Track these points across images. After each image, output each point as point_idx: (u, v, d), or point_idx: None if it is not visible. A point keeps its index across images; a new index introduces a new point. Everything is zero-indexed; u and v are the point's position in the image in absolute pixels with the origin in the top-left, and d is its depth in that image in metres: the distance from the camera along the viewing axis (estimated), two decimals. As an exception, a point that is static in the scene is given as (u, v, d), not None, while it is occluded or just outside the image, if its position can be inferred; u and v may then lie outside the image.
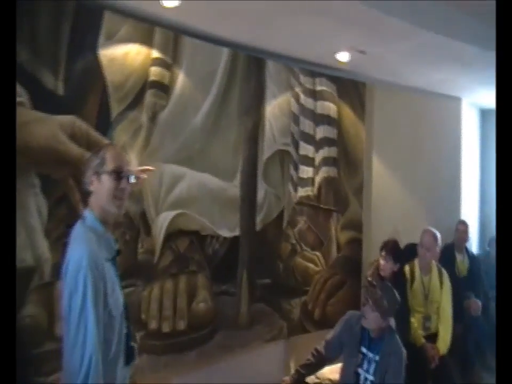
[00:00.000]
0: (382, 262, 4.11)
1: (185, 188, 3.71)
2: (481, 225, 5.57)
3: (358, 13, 3.44)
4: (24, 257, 2.90)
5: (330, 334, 3.52)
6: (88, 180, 2.06)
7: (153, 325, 3.51)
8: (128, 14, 3.39)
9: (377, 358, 3.21)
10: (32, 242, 2.95)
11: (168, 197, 3.62)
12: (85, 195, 2.12)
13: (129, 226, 3.43)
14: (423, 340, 3.95)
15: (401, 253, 4.23)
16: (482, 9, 3.66)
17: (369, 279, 4.25)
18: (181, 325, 3.67)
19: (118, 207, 2.07)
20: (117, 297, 2.04)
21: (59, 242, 3.01)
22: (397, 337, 3.27)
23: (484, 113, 6.75)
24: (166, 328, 3.58)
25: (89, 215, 2.04)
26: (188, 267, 3.74)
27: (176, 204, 3.67)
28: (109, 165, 2.04)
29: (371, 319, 3.20)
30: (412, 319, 3.99)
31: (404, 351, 3.21)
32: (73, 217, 2.99)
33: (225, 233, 3.97)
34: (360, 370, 3.26)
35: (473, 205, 6.50)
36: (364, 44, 4.12)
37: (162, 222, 3.59)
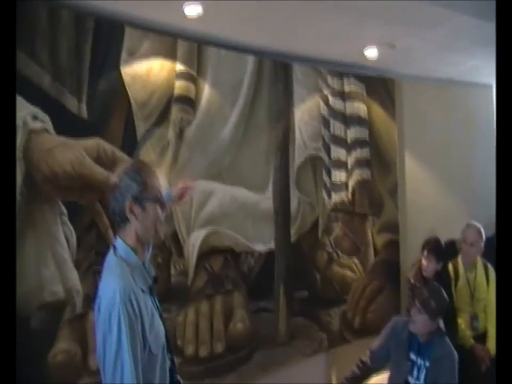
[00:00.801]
0: (424, 262, 3.92)
1: (216, 204, 3.56)
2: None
3: (384, 3, 3.21)
4: (55, 290, 2.79)
5: (375, 343, 3.35)
6: (125, 208, 1.85)
7: (190, 350, 3.38)
8: (149, 28, 3.24)
9: (427, 364, 3.03)
10: (62, 274, 2.84)
11: (199, 214, 3.48)
12: (118, 223, 1.91)
13: (161, 249, 3.30)
14: (472, 341, 3.76)
15: (444, 251, 4.04)
16: None
17: (412, 281, 4.08)
18: (219, 347, 3.53)
19: (163, 233, 2.01)
20: (157, 331, 1.90)
21: (89, 272, 2.94)
22: (447, 339, 3.10)
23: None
24: (203, 352, 3.44)
25: (120, 244, 1.89)
26: (224, 286, 3.59)
27: (208, 221, 3.52)
28: (152, 191, 1.89)
29: (419, 323, 3.03)
30: (459, 320, 3.80)
31: (456, 354, 3.03)
32: (103, 244, 2.94)
33: (260, 247, 3.82)
34: (410, 379, 3.09)
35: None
36: (392, 36, 3.90)
37: (194, 241, 3.45)
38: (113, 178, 1.90)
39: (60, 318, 2.83)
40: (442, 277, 3.84)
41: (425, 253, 3.93)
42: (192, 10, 3.09)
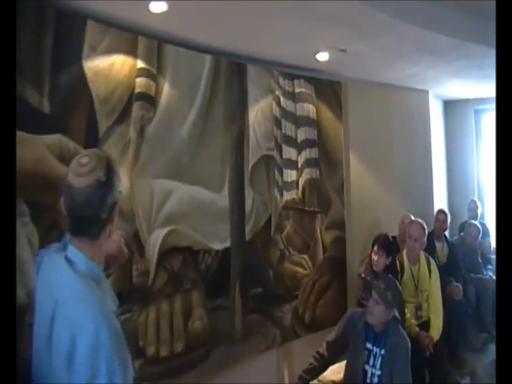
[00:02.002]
0: (374, 257, 4.10)
1: (175, 203, 3.54)
2: (451, 212, 5.65)
3: (337, 9, 3.32)
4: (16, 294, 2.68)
5: (331, 334, 3.48)
6: (105, 212, 1.56)
7: (151, 350, 3.34)
8: (112, 23, 3.18)
9: (383, 351, 3.21)
10: (23, 276, 2.72)
11: (159, 213, 3.44)
12: (82, 231, 1.59)
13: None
14: (417, 329, 3.97)
15: (392, 247, 4.24)
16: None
17: (363, 275, 4.24)
18: (178, 346, 3.51)
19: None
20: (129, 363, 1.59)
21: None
22: (401, 328, 3.28)
23: (447, 104, 6.86)
24: (164, 352, 3.40)
25: (79, 257, 1.55)
26: (183, 285, 3.58)
27: (167, 221, 3.49)
28: (117, 187, 1.62)
29: (377, 314, 3.20)
30: (405, 310, 3.99)
31: (409, 341, 3.25)
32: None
33: (217, 246, 3.83)
34: (367, 367, 3.25)
35: (442, 194, 6.61)
36: (342, 41, 4.04)
37: (155, 240, 3.41)
38: (93, 176, 1.53)
39: (22, 323, 2.72)
40: (391, 271, 4.01)
41: (376, 248, 4.09)
42: (157, 7, 3.07)
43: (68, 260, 1.55)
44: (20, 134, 2.69)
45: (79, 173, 1.53)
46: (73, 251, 1.56)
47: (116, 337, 1.48)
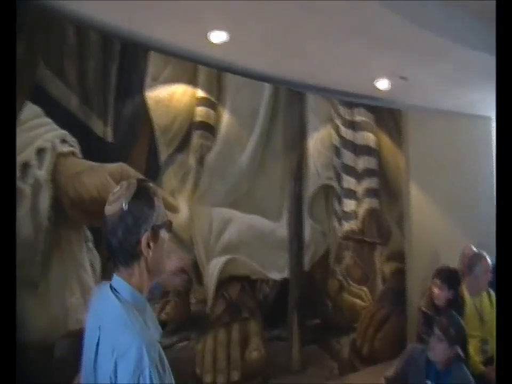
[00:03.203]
0: (436, 290, 3.92)
1: (234, 231, 3.55)
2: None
3: (396, 35, 3.30)
4: (80, 317, 2.71)
5: (390, 370, 3.33)
6: (138, 241, 1.52)
7: (208, 379, 3.32)
8: (173, 53, 3.27)
9: None
10: (87, 301, 2.77)
11: (218, 242, 3.45)
12: (121, 260, 1.54)
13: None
14: (482, 367, 3.74)
15: (455, 280, 4.07)
16: None
17: (424, 309, 4.08)
18: (235, 375, 3.47)
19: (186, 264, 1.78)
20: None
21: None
22: (465, 367, 3.11)
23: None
24: (220, 380, 3.38)
25: (123, 286, 1.55)
26: (240, 314, 3.55)
27: (226, 249, 3.50)
28: (163, 216, 1.57)
29: (439, 350, 3.04)
30: (468, 346, 3.80)
31: (472, 381, 3.05)
32: None
33: (275, 275, 3.80)
34: None
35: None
36: (401, 68, 3.98)
37: (213, 269, 3.42)
38: (118, 204, 1.51)
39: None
40: (454, 305, 3.85)
41: (437, 281, 3.94)
42: (217, 37, 3.13)
43: (112, 288, 1.55)
44: (85, 163, 2.80)
45: (108, 201, 1.54)
46: (116, 279, 1.56)
47: (158, 364, 1.45)
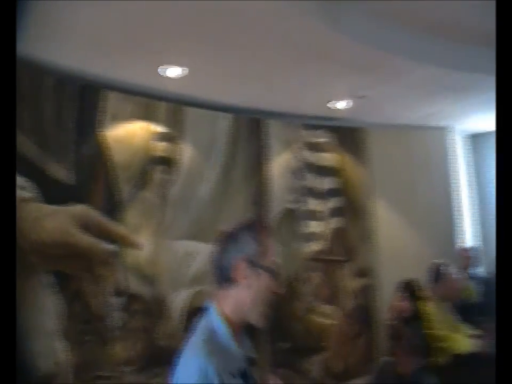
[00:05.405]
0: (401, 303, 4.00)
1: (200, 263, 3.56)
2: (479, 247, 5.58)
3: (353, 55, 3.37)
4: (44, 363, 2.72)
5: None
6: (233, 265, 1.54)
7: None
8: (131, 91, 3.28)
9: None
10: (51, 346, 2.77)
11: (184, 275, 3.47)
12: (219, 281, 1.59)
13: (145, 312, 3.26)
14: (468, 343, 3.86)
15: (420, 291, 4.16)
16: (479, 34, 3.65)
17: (391, 323, 4.15)
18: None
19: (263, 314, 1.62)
20: None
21: (79, 342, 2.86)
22: (434, 376, 3.18)
23: (472, 138, 6.77)
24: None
25: (213, 311, 1.56)
26: (209, 345, 3.56)
27: (193, 281, 3.51)
28: (269, 260, 1.58)
29: (407, 362, 3.10)
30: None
31: None
32: (89, 314, 2.92)
33: (243, 302, 3.82)
34: None
35: (468, 230, 6.49)
36: (359, 87, 4.06)
37: (180, 302, 3.43)
38: (227, 228, 1.61)
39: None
40: (418, 316, 3.93)
41: (402, 294, 4.02)
42: (173, 72, 3.17)
43: (206, 312, 1.59)
44: (46, 207, 2.80)
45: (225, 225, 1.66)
46: (210, 305, 1.60)
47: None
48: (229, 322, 1.54)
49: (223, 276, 1.57)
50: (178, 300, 3.42)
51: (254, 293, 1.55)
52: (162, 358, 3.29)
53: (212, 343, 1.49)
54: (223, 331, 1.53)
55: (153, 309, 3.31)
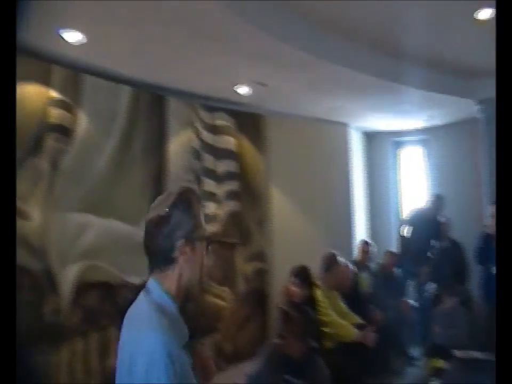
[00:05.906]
0: (293, 288, 4.10)
1: (92, 237, 3.45)
2: (373, 240, 5.86)
3: (260, 45, 3.44)
4: None
5: (252, 368, 3.42)
6: (173, 246, 1.52)
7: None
8: (24, 51, 3.09)
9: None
10: None
11: (74, 248, 3.33)
12: (158, 264, 1.55)
13: (33, 286, 3.09)
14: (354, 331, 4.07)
15: (311, 278, 4.28)
16: (378, 39, 3.93)
17: (283, 307, 4.23)
18: (96, 387, 3.38)
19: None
20: None
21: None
22: (320, 358, 3.30)
23: (368, 136, 7.09)
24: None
25: (157, 288, 1.56)
26: (99, 322, 3.45)
27: (83, 256, 3.39)
28: (202, 228, 1.59)
29: (295, 346, 3.19)
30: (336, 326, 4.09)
31: (327, 370, 3.27)
32: None
33: (135, 280, 3.73)
34: None
35: (362, 221, 6.79)
36: (264, 77, 4.13)
37: (69, 277, 3.29)
38: (158, 210, 1.55)
39: None
40: (309, 301, 4.05)
41: (294, 279, 4.11)
42: (73, 37, 3.03)
43: (147, 290, 1.57)
44: None
45: (150, 208, 1.58)
46: (150, 281, 1.58)
47: (177, 367, 1.43)
48: (173, 297, 1.55)
49: (163, 259, 1.55)
50: (68, 274, 3.28)
51: (193, 264, 1.57)
52: (47, 333, 3.15)
53: (166, 318, 1.50)
54: (172, 306, 1.55)
55: (41, 283, 3.15)
